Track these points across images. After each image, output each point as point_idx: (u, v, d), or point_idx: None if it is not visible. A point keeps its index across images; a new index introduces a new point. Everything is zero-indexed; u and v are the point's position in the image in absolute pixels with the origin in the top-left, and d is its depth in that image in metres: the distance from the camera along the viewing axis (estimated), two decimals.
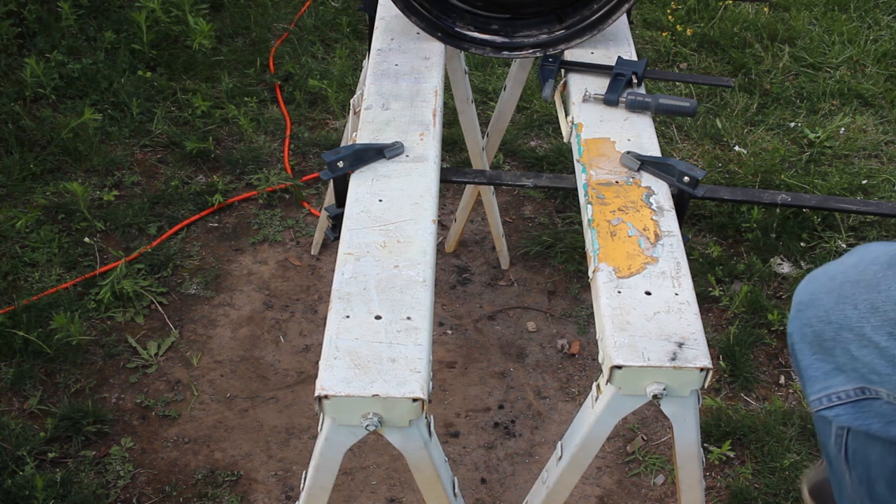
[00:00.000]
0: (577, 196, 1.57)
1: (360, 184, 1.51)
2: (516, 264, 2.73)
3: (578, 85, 1.79)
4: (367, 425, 1.19)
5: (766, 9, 3.80)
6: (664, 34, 3.65)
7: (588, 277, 1.43)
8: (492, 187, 2.54)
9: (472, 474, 2.19)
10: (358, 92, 2.07)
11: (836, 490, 1.53)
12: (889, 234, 2.82)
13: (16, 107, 3.10)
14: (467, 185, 2.62)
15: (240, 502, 2.10)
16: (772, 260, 2.71)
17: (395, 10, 1.88)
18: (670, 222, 1.47)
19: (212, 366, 2.40)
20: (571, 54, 1.87)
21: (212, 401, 2.32)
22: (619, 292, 1.34)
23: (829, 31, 3.69)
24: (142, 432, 2.23)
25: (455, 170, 1.54)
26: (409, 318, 1.28)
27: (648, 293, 1.34)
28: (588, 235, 1.45)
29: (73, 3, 3.47)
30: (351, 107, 2.09)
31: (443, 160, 1.79)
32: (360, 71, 2.36)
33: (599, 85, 1.78)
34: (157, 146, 3.07)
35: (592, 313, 1.41)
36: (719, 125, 3.20)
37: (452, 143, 3.03)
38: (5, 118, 3.05)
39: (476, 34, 1.89)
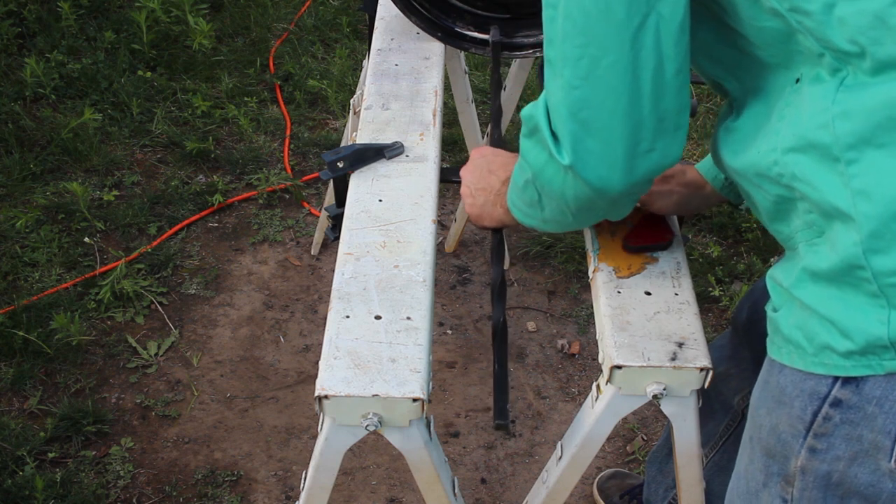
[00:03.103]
0: None
1: (360, 184, 1.51)
2: (516, 264, 2.73)
3: None
4: (367, 425, 1.19)
5: None
6: None
7: (588, 277, 1.43)
8: None
9: (472, 474, 2.18)
10: (358, 92, 2.07)
11: None
12: None
13: (16, 107, 3.10)
14: None
15: (240, 502, 2.10)
16: (772, 260, 2.71)
17: (395, 10, 1.88)
18: (670, 222, 1.47)
19: (212, 366, 2.40)
20: None
21: (212, 401, 2.32)
22: (619, 292, 1.34)
23: None
24: (142, 432, 2.23)
25: (455, 170, 1.54)
26: (409, 318, 1.28)
27: (648, 293, 1.34)
28: (588, 235, 1.45)
29: (73, 3, 3.47)
30: (351, 107, 2.09)
31: (443, 160, 1.78)
32: (360, 71, 2.36)
33: None
34: (157, 146, 3.07)
35: (592, 313, 1.41)
36: None
37: (452, 143, 3.03)
38: (5, 118, 3.05)
39: (476, 34, 1.89)
